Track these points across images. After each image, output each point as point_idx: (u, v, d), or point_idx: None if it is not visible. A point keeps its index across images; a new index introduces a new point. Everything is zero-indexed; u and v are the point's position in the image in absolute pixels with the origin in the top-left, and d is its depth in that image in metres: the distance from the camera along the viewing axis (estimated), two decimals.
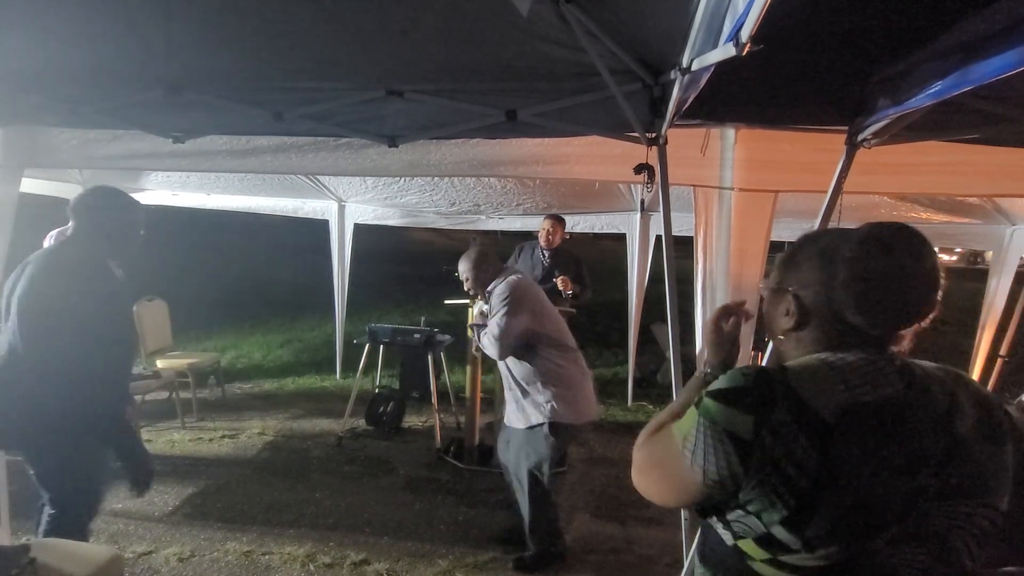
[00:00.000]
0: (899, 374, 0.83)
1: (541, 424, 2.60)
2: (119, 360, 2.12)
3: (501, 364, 2.75)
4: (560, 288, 3.98)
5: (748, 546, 0.86)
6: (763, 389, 0.81)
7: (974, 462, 0.82)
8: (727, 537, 0.89)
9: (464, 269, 2.78)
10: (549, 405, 2.59)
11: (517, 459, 2.74)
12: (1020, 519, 0.91)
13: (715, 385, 0.86)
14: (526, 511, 2.75)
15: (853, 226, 0.90)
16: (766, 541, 0.83)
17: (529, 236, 4.80)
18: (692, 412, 0.87)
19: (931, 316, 0.86)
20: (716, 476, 0.83)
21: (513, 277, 2.68)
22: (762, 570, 0.85)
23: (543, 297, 2.74)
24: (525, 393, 2.65)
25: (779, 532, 0.81)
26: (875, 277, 0.83)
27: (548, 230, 4.20)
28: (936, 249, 0.85)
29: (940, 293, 0.85)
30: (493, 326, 2.59)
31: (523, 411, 2.68)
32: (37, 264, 2.00)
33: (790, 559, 0.83)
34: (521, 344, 2.61)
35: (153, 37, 1.67)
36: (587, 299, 4.28)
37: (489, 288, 2.71)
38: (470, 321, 3.18)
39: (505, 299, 2.58)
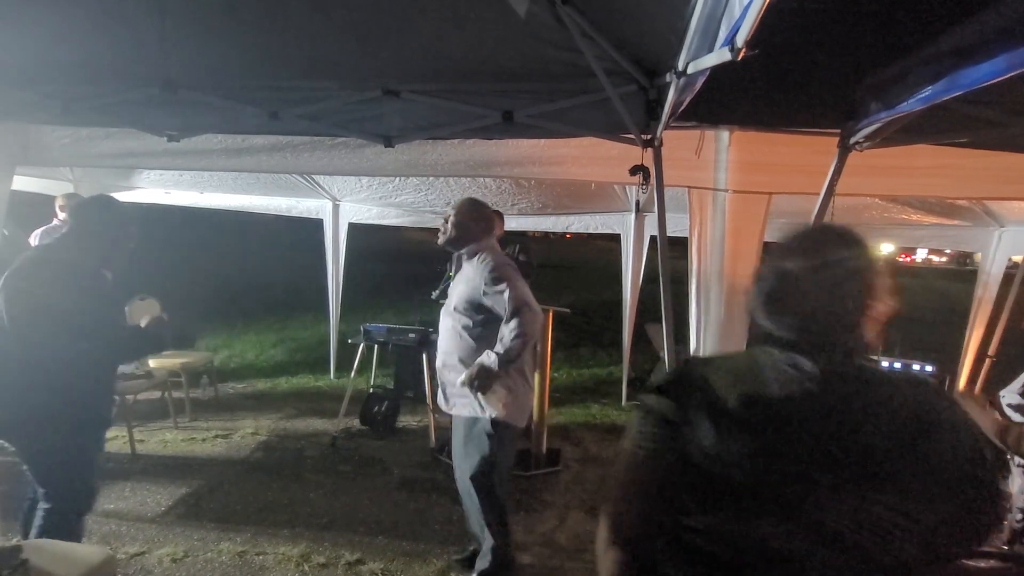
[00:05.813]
0: (812, 375, 0.86)
1: (480, 418, 2.37)
2: (108, 358, 2.12)
3: (448, 330, 2.43)
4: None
5: None
6: (684, 379, 0.97)
7: (889, 466, 0.81)
8: None
9: (458, 211, 2.41)
10: (496, 396, 2.32)
11: (461, 455, 2.47)
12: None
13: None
14: (476, 513, 2.47)
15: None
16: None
17: (524, 236, 4.85)
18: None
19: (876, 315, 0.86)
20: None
21: (500, 254, 2.42)
22: None
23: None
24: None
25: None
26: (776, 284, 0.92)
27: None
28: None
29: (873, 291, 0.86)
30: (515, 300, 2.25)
31: (466, 395, 2.36)
32: (26, 261, 2.00)
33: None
34: (488, 319, 2.35)
35: (148, 34, 1.66)
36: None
37: (465, 250, 2.40)
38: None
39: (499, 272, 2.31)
